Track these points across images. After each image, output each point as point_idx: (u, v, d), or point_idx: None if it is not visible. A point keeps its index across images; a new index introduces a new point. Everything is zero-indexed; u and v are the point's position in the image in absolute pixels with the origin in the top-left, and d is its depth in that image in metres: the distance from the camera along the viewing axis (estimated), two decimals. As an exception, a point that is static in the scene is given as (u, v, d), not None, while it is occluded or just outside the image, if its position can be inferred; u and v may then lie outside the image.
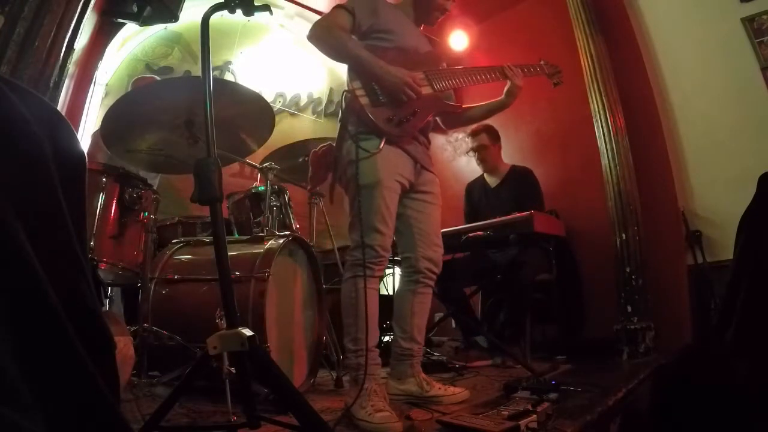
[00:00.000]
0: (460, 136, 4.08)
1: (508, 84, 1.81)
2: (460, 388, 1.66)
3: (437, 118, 1.85)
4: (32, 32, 1.63)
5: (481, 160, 2.93)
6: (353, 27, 1.63)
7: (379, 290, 1.61)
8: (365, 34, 1.66)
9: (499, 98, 1.84)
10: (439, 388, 1.63)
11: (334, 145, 1.71)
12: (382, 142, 1.55)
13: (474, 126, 2.93)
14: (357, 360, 1.47)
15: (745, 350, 1.70)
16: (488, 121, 2.89)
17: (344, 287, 1.57)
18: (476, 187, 3.05)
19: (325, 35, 1.60)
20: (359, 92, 1.56)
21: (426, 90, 1.64)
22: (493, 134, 2.93)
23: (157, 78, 3.10)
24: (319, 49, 1.61)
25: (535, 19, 3.56)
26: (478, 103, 1.90)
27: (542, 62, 1.99)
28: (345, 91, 1.63)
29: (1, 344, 0.55)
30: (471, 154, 2.98)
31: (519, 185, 2.82)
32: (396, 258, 1.82)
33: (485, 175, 3.01)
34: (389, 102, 1.57)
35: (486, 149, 2.90)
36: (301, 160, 2.29)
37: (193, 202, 1.07)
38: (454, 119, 1.91)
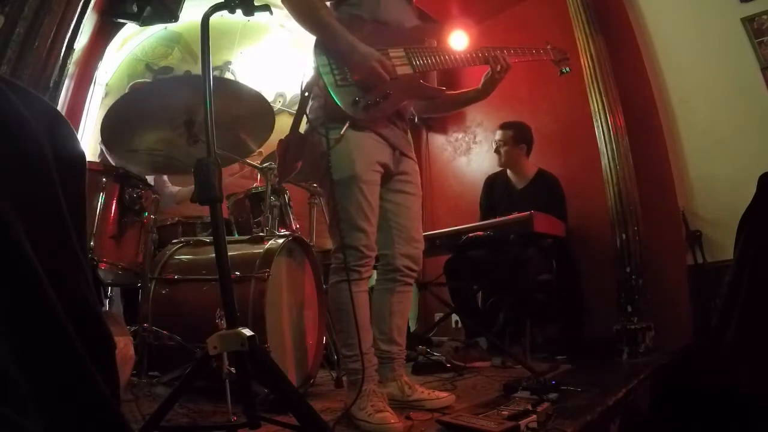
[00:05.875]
0: (460, 135, 4.09)
1: (488, 72, 1.65)
2: (446, 393, 1.59)
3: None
4: (32, 32, 1.63)
5: (498, 155, 2.91)
6: None
7: (368, 291, 1.54)
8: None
9: (476, 87, 1.69)
10: (422, 392, 1.56)
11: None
12: (344, 128, 1.38)
13: (509, 121, 2.93)
14: (353, 365, 1.44)
15: (746, 350, 1.70)
16: (519, 120, 2.95)
17: (330, 292, 1.50)
18: (499, 183, 3.00)
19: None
20: (323, 69, 1.38)
21: (404, 69, 1.45)
22: (519, 136, 2.85)
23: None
24: (293, 16, 1.45)
25: (535, 19, 3.55)
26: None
27: (549, 46, 1.80)
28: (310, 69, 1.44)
29: (1, 344, 0.55)
30: (494, 144, 2.96)
31: (547, 192, 2.78)
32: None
33: (508, 172, 2.96)
34: (357, 82, 1.40)
35: (505, 146, 2.86)
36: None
37: (193, 202, 1.07)
38: (429, 105, 1.75)
